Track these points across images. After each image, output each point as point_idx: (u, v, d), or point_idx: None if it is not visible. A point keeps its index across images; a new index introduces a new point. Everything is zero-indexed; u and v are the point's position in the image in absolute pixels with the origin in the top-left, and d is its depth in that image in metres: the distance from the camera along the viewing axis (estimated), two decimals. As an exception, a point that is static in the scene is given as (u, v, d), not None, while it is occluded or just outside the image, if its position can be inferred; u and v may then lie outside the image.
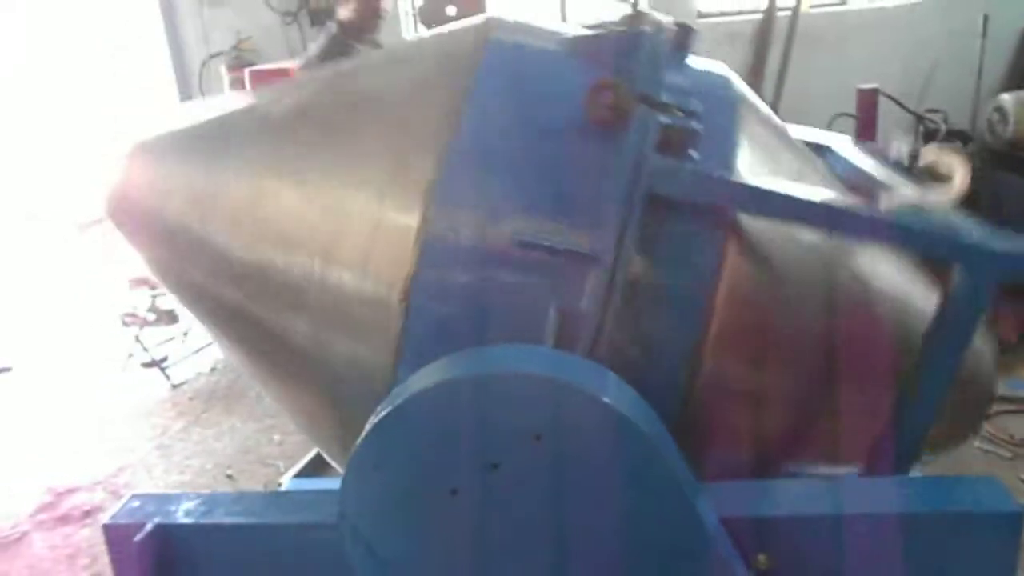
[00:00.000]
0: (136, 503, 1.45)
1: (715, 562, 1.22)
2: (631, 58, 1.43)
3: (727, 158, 1.44)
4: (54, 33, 8.11)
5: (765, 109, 1.70)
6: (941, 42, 5.44)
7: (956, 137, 5.17)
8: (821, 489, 1.32)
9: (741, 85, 1.66)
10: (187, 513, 1.40)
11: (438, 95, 1.47)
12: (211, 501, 1.43)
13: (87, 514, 4.01)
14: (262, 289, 1.53)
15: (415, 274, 1.35)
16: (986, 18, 5.22)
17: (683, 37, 1.60)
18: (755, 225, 1.41)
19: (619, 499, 1.18)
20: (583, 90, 1.38)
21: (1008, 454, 3.59)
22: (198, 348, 5.85)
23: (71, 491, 4.22)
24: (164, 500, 1.45)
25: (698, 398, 1.37)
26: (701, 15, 5.88)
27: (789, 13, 5.73)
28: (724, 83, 1.61)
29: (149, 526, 1.37)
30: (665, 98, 1.41)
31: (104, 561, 3.58)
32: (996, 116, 5.14)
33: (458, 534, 1.21)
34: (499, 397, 1.16)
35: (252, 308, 1.57)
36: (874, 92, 5.01)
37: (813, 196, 1.41)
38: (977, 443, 3.73)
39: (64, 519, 3.99)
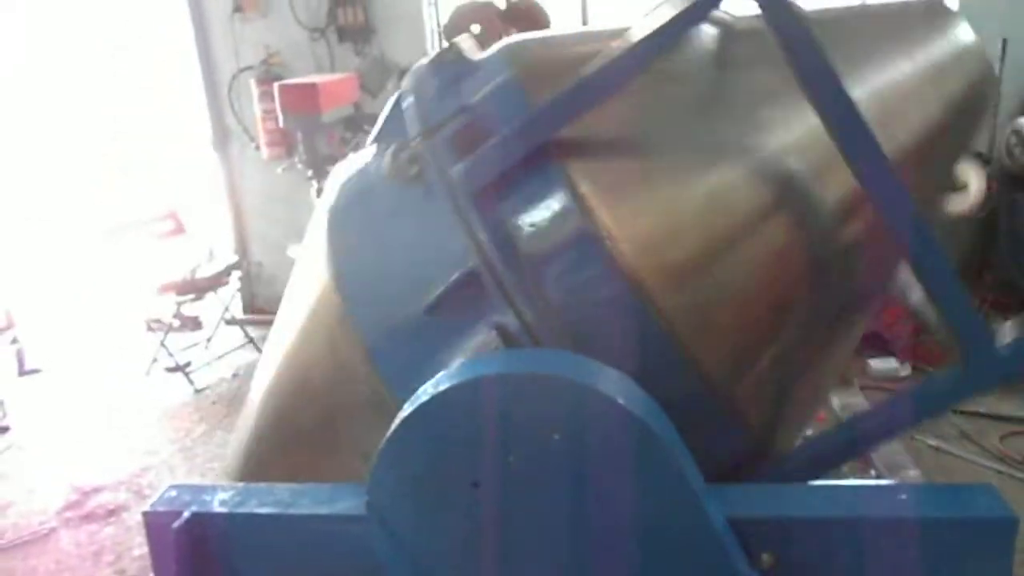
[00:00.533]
0: (173, 492, 1.53)
1: (721, 559, 1.28)
2: (401, 113, 1.64)
3: (519, 108, 1.47)
4: (54, 33, 8.23)
5: (551, 34, 1.75)
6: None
7: (975, 159, 5.21)
8: (824, 493, 1.38)
9: (523, 40, 1.73)
10: (222, 503, 1.48)
11: (319, 252, 1.71)
12: (245, 492, 1.51)
13: (111, 512, 4.12)
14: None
15: (380, 376, 1.52)
16: (1005, 42, 5.24)
17: (450, 55, 1.68)
18: (598, 132, 1.44)
19: (630, 496, 1.25)
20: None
21: (1020, 474, 3.62)
22: (220, 354, 5.98)
23: (96, 490, 4.33)
24: (200, 490, 1.52)
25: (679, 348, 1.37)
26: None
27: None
28: (498, 57, 1.64)
29: (186, 514, 1.44)
30: (442, 116, 1.53)
31: (128, 558, 3.71)
32: (1014, 139, 5.18)
33: (478, 525, 1.28)
34: (517, 396, 1.23)
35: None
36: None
37: (598, 62, 1.40)
38: (990, 463, 3.76)
39: (89, 517, 4.10)
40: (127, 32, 8.12)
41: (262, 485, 1.61)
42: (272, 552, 1.45)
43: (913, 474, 3.65)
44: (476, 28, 4.67)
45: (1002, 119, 5.36)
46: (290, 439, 1.83)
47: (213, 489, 1.53)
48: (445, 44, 5.26)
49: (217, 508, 1.47)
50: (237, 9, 6.08)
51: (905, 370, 4.60)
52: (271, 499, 1.48)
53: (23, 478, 4.53)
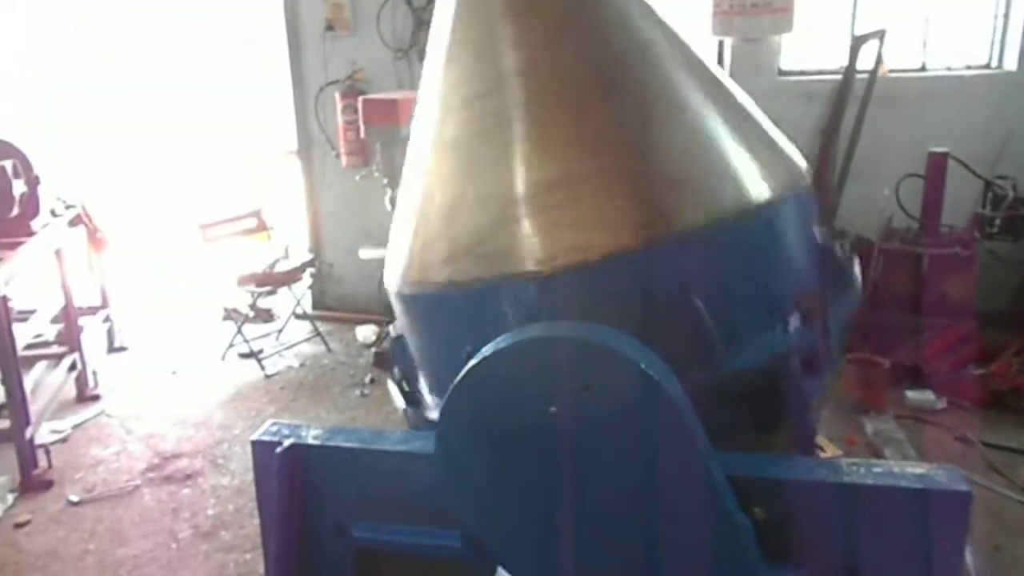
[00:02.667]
0: (274, 427, 1.86)
1: (720, 510, 1.54)
2: None
3: None
4: (161, 42, 8.74)
5: None
6: (1017, 112, 5.60)
7: (1022, 204, 5.32)
8: (808, 462, 1.64)
9: None
10: (315, 437, 1.81)
11: None
12: (332, 431, 1.84)
13: (189, 477, 4.53)
14: None
15: None
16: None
17: None
18: None
19: (644, 449, 1.53)
20: None
21: (1043, 506, 3.75)
22: (289, 344, 6.41)
23: (176, 456, 4.76)
24: (296, 427, 1.85)
25: None
26: (781, 72, 6.17)
27: (867, 75, 5.97)
28: None
29: (286, 443, 1.78)
30: None
31: (203, 516, 4.11)
32: (1068, 185, 5.28)
33: (526, 462, 1.57)
34: (558, 355, 1.52)
35: None
36: (944, 155, 5.23)
37: None
38: (1017, 496, 3.89)
39: (169, 479, 4.52)
40: (227, 43, 8.72)
41: (347, 427, 1.95)
42: (354, 480, 1.76)
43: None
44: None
45: (1056, 166, 5.48)
46: None
47: (307, 427, 1.87)
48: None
49: (311, 441, 1.80)
50: (329, 28, 6.55)
51: (942, 403, 4.73)
52: (355, 437, 1.81)
53: (111, 441, 4.99)
